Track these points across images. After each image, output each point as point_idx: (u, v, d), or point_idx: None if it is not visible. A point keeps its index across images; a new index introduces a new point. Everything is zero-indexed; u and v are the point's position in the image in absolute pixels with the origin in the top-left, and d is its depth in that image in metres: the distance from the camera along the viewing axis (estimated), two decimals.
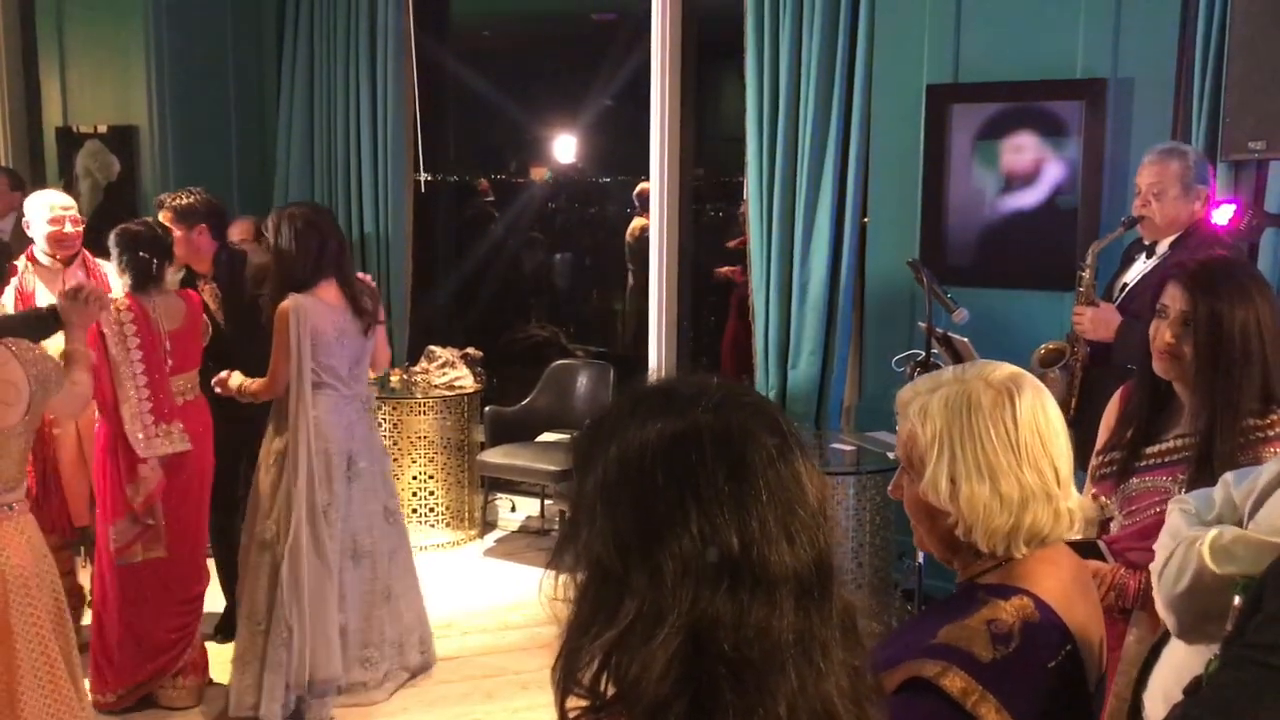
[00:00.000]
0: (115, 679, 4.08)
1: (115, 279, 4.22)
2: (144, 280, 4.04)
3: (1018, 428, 1.53)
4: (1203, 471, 2.30)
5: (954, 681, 1.40)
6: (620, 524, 1.06)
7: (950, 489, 1.54)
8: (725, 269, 7.27)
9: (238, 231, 5.24)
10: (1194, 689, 1.52)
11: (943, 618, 1.51)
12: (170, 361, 4.06)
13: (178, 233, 4.38)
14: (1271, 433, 2.29)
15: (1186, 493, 2.18)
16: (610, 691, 1.05)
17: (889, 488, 1.72)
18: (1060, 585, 1.55)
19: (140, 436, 3.96)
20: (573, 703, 1.07)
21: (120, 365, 3.95)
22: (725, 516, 1.03)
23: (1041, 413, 1.55)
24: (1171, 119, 4.38)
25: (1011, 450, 1.53)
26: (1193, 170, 3.67)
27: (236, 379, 4.14)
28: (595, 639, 1.05)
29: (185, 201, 4.51)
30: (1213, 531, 1.84)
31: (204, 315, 4.33)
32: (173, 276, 4.29)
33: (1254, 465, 2.18)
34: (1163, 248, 3.73)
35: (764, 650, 1.02)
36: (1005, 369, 1.61)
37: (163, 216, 4.41)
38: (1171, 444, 2.43)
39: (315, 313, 4.00)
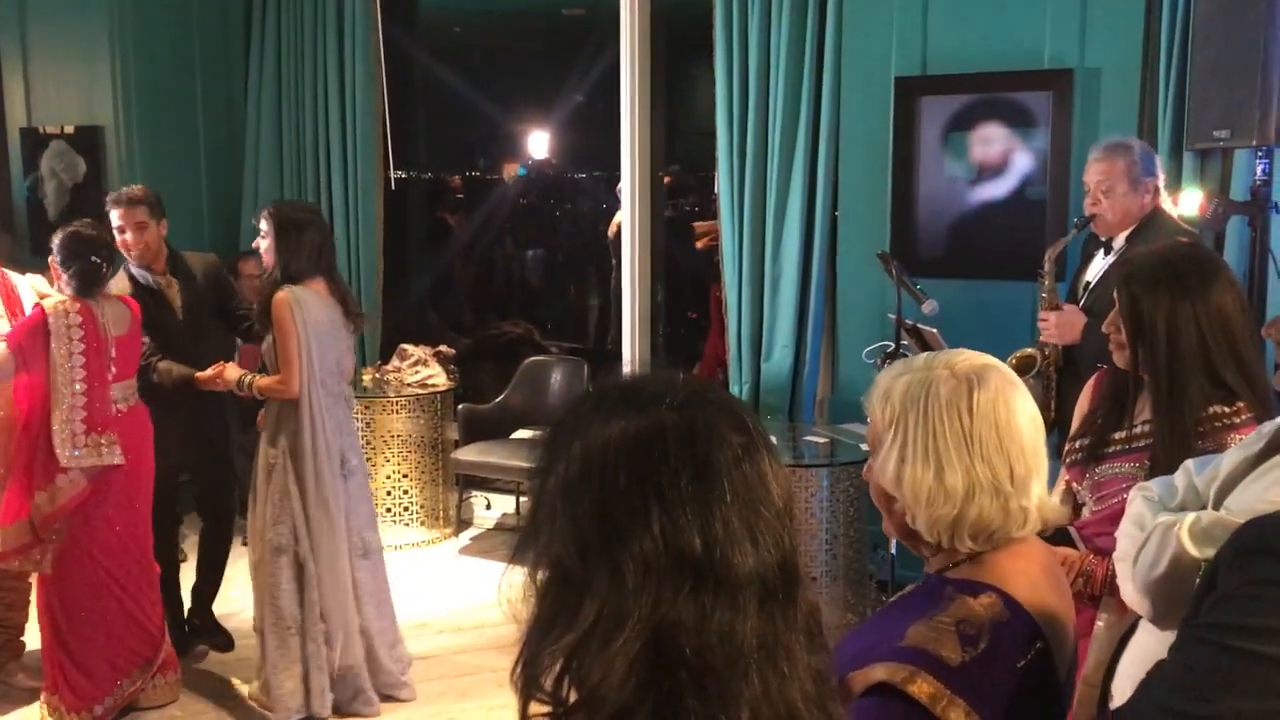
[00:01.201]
0: (96, 690, 3.99)
1: (26, 287, 4.18)
2: (93, 285, 3.95)
3: (973, 419, 1.50)
4: (1157, 459, 2.33)
5: (922, 687, 1.38)
6: (581, 524, 1.03)
7: (896, 473, 1.53)
8: (701, 226, 7.07)
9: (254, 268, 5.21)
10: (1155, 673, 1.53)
11: (910, 614, 1.49)
12: (114, 370, 3.97)
13: (152, 224, 4.35)
14: (1237, 420, 2.30)
15: (1147, 480, 2.19)
16: (572, 696, 1.03)
17: (864, 469, 1.71)
18: (1030, 580, 1.53)
19: (68, 446, 3.84)
20: (535, 709, 1.04)
21: (60, 369, 3.84)
22: (688, 517, 1.01)
23: (1003, 407, 1.52)
24: (1138, 108, 4.41)
25: (964, 441, 1.50)
26: (1139, 164, 3.68)
27: (235, 371, 4.14)
28: (555, 642, 1.02)
29: (152, 193, 4.47)
30: (1190, 516, 1.85)
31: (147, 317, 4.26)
32: (118, 283, 4.21)
33: (1215, 453, 2.21)
34: (1119, 242, 3.76)
35: (727, 655, 1.00)
36: (977, 359, 1.58)
37: (135, 214, 4.32)
38: (1138, 430, 2.45)
39: (311, 305, 3.97)
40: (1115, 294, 2.46)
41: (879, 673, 1.40)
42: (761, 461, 1.06)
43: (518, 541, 1.10)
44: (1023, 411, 1.54)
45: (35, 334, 3.85)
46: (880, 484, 1.57)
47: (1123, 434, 2.48)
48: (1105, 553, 2.36)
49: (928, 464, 1.51)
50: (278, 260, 4.01)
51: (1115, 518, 2.38)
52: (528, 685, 1.04)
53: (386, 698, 4.18)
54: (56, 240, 3.98)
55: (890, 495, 1.57)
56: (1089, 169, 3.77)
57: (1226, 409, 2.29)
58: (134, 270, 4.38)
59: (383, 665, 4.17)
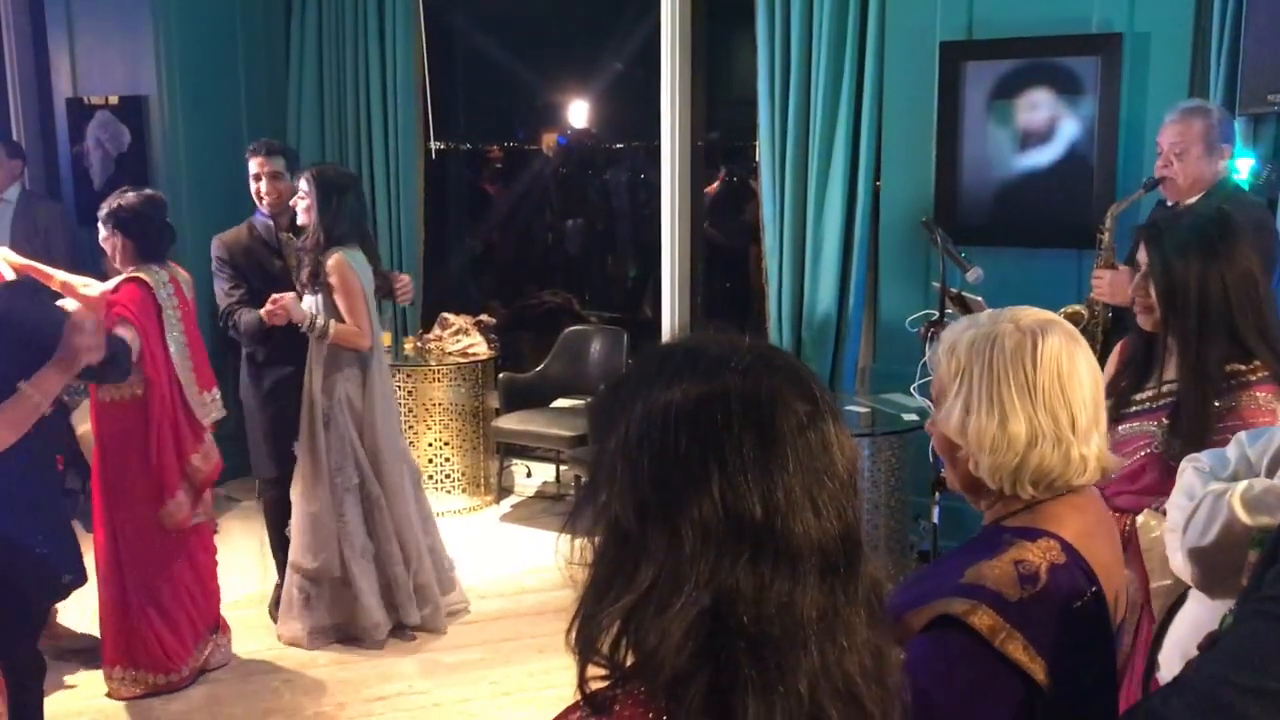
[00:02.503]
0: (183, 649, 4.08)
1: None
2: (169, 248, 4.06)
3: (1036, 369, 1.54)
4: (1177, 418, 2.41)
5: (982, 619, 1.41)
6: (640, 485, 1.02)
7: (961, 421, 1.57)
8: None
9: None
10: (1209, 645, 1.51)
11: (969, 558, 1.51)
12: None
13: (286, 177, 4.40)
14: (1253, 377, 2.37)
15: (1165, 436, 2.33)
16: (629, 660, 1.02)
17: (927, 423, 1.75)
18: (1085, 528, 1.55)
19: (199, 407, 4.03)
20: (592, 671, 1.04)
21: (172, 335, 3.94)
22: (749, 483, 0.99)
23: (1066, 358, 1.56)
24: (1189, 73, 4.33)
25: (1027, 390, 1.54)
26: (1216, 129, 3.60)
27: (301, 311, 4.17)
28: (612, 604, 1.01)
29: (291, 148, 4.69)
30: (1243, 483, 1.83)
31: None
32: (238, 233, 4.44)
33: (1231, 410, 2.32)
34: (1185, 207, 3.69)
35: (785, 625, 0.99)
36: (1038, 314, 1.62)
37: (272, 163, 4.39)
38: (1156, 390, 2.51)
39: (361, 266, 4.22)
40: (1143, 257, 2.51)
41: (939, 607, 1.44)
42: (827, 430, 1.05)
43: (575, 503, 1.10)
44: (1084, 364, 1.58)
45: (145, 305, 3.87)
46: (945, 433, 1.61)
47: (1146, 394, 2.54)
48: (1124, 511, 2.43)
49: (992, 412, 1.54)
50: (320, 222, 4.13)
51: (1134, 476, 2.47)
52: (585, 647, 1.03)
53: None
54: (126, 205, 3.91)
55: (954, 443, 1.60)
56: (1164, 130, 3.69)
57: (1243, 366, 2.37)
58: (258, 220, 4.45)
59: (447, 583, 4.64)
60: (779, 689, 0.98)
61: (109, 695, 4.05)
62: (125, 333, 3.71)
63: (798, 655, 0.99)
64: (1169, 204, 3.76)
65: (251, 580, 5.02)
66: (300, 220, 4.22)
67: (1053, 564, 1.48)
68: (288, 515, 4.38)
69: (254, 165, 4.41)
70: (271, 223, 4.44)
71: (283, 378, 4.36)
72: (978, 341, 1.58)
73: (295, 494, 4.32)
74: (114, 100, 6.27)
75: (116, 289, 3.87)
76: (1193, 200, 3.65)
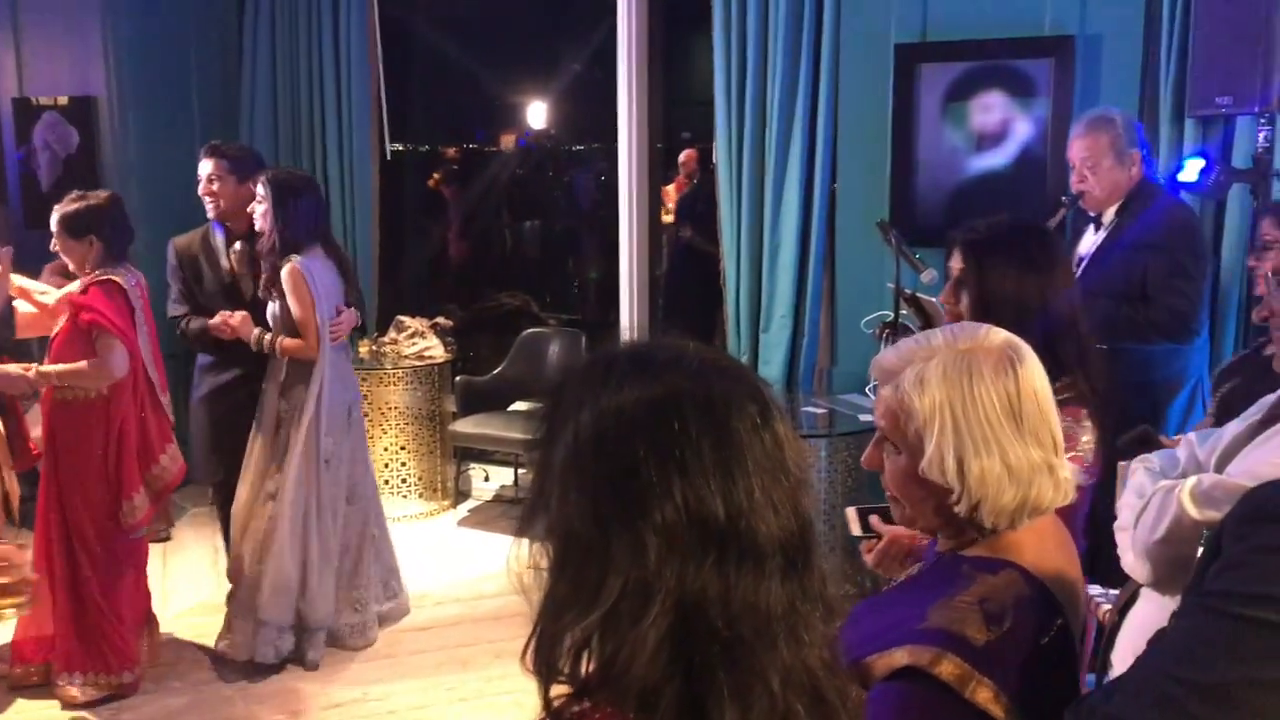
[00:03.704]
0: (135, 647, 4.09)
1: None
2: (128, 249, 4.02)
3: (1020, 397, 1.45)
4: None
5: (948, 669, 1.33)
6: (598, 495, 1.01)
7: (957, 466, 1.44)
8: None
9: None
10: (1158, 641, 1.52)
11: (926, 594, 1.45)
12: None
13: (231, 181, 4.30)
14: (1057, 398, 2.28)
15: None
16: (590, 672, 1.00)
17: (862, 459, 1.61)
18: (1042, 550, 1.49)
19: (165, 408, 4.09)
20: (555, 690, 1.02)
21: (141, 334, 3.98)
22: (710, 486, 0.99)
23: (1040, 379, 1.48)
24: (1139, 76, 4.37)
25: (1014, 420, 1.44)
26: (1123, 136, 3.67)
27: (251, 328, 4.18)
28: (577, 621, 1.00)
29: (243, 152, 4.48)
30: (1191, 479, 1.85)
31: None
32: (191, 237, 4.40)
33: None
34: (1109, 216, 3.75)
35: (755, 626, 0.99)
36: (1000, 334, 1.52)
37: (216, 166, 4.28)
38: None
39: (319, 272, 4.15)
40: (956, 263, 2.42)
41: (902, 656, 1.36)
42: (778, 429, 1.05)
43: (524, 512, 1.07)
44: (1045, 379, 1.51)
45: (120, 307, 3.87)
46: (931, 477, 1.46)
47: None
48: None
49: (990, 451, 1.43)
50: (275, 227, 4.09)
51: None
52: (548, 670, 1.01)
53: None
54: (99, 207, 3.88)
55: (931, 485, 1.47)
56: (1072, 145, 3.76)
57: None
58: (214, 226, 4.36)
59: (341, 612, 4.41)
60: (754, 690, 0.98)
61: (65, 705, 3.95)
62: (111, 347, 3.80)
63: (769, 654, 0.99)
64: (1091, 215, 3.81)
65: (204, 588, 4.95)
66: (258, 226, 4.16)
67: (1018, 599, 1.41)
68: None
69: (200, 167, 4.34)
70: (221, 230, 4.35)
71: (228, 381, 4.35)
72: (950, 371, 1.45)
73: (245, 496, 4.26)
74: (62, 101, 6.17)
75: (84, 291, 3.84)
76: (1114, 207, 3.70)
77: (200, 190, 4.34)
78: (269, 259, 4.12)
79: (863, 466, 1.64)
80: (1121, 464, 2.53)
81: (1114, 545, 2.11)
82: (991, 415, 1.44)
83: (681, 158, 7.91)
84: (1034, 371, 1.48)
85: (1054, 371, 2.20)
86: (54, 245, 3.95)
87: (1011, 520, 1.46)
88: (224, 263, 4.36)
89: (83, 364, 3.80)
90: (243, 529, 4.25)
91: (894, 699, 1.35)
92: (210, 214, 4.35)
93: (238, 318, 4.19)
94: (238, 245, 4.35)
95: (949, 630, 1.36)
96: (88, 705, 3.95)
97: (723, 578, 0.98)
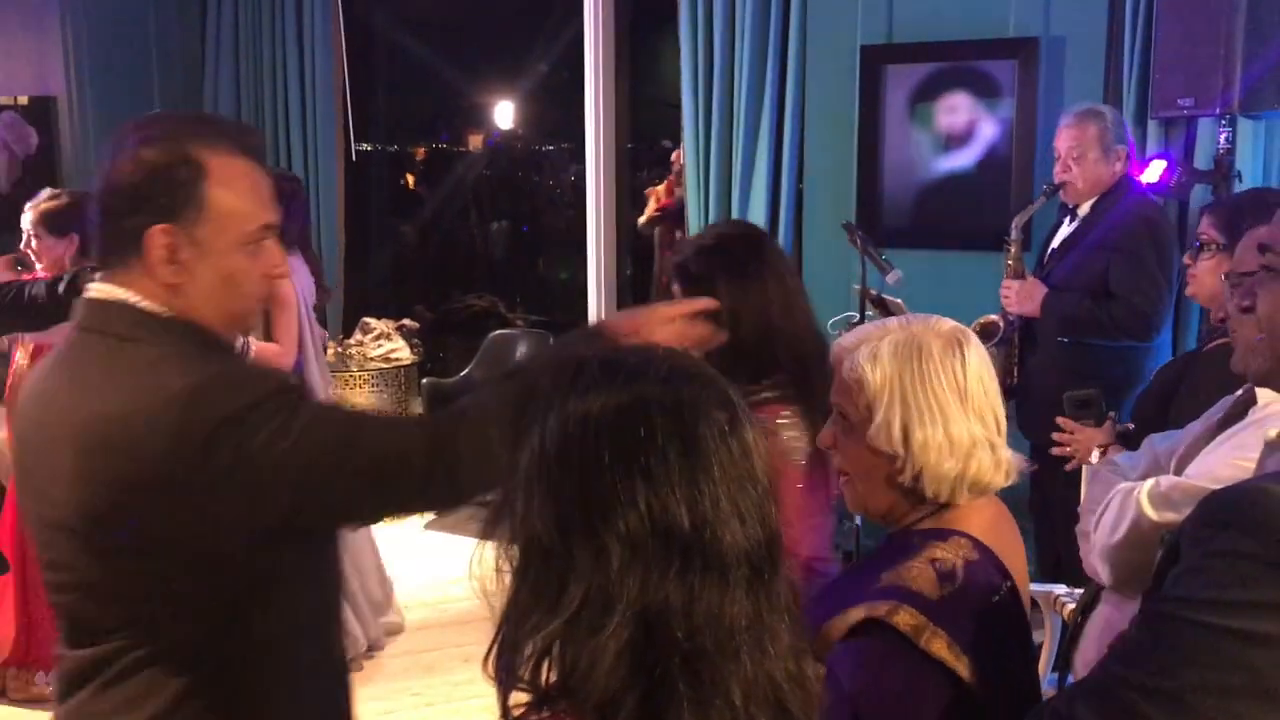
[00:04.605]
0: None
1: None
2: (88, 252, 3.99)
3: (966, 376, 1.53)
4: None
5: (905, 618, 1.39)
6: (562, 501, 1.00)
7: (903, 434, 1.52)
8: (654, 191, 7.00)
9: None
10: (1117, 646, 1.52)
11: (881, 566, 1.50)
12: None
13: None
14: (756, 397, 2.24)
15: None
16: (552, 679, 0.99)
17: (818, 438, 1.68)
18: (990, 524, 1.56)
19: None
20: (515, 698, 1.01)
21: None
22: (676, 495, 0.98)
23: (985, 364, 1.57)
24: (1103, 77, 4.39)
25: (959, 396, 1.52)
26: (1111, 131, 3.70)
27: None
28: (537, 629, 0.98)
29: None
30: (1149, 481, 1.85)
31: None
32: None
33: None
34: (1085, 210, 3.77)
35: (718, 637, 0.98)
36: (949, 322, 1.61)
37: None
38: None
39: (301, 275, 4.01)
40: (676, 292, 2.38)
41: (858, 612, 1.42)
42: (747, 436, 1.04)
43: (488, 518, 1.05)
44: (990, 368, 1.59)
45: None
46: (878, 445, 1.53)
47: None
48: None
49: (934, 421, 1.51)
50: None
51: None
52: (508, 676, 1.00)
53: None
54: (76, 205, 3.86)
55: (879, 456, 1.54)
56: (1060, 135, 3.77)
57: (752, 385, 2.23)
58: None
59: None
60: (715, 703, 0.97)
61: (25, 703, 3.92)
62: None
63: (731, 667, 0.98)
64: (1070, 207, 3.83)
65: None
66: None
67: (967, 560, 1.48)
68: None
69: None
70: None
71: None
72: (901, 348, 1.54)
73: None
74: (22, 100, 6.09)
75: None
76: (1090, 202, 3.73)
77: None
78: None
79: (819, 445, 1.70)
80: (1085, 465, 2.55)
81: (1077, 546, 2.12)
82: (938, 389, 1.52)
83: (673, 156, 7.89)
84: (980, 356, 1.56)
85: (756, 374, 2.25)
86: (26, 243, 3.93)
87: (952, 491, 1.53)
88: None
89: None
90: None
91: (852, 654, 1.41)
92: None
93: None
94: None
95: (903, 587, 1.43)
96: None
97: (686, 588, 0.97)
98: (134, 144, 1.52)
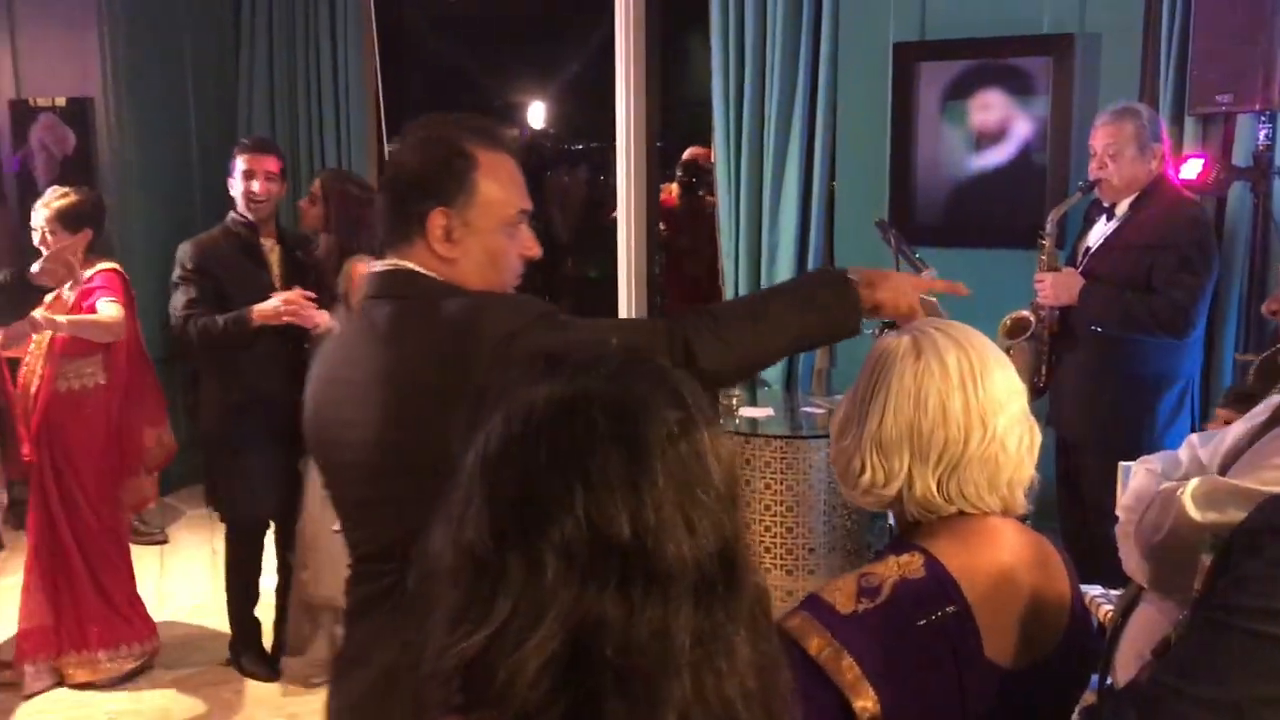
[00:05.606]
0: (144, 625, 4.27)
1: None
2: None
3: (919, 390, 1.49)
4: None
5: (794, 622, 1.36)
6: (497, 505, 0.94)
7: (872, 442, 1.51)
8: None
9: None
10: (1163, 650, 1.50)
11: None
12: None
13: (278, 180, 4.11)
14: None
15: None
16: (474, 688, 0.95)
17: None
18: (964, 547, 1.45)
19: None
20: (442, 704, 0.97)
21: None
22: (616, 501, 0.92)
23: (953, 388, 1.48)
24: (1139, 73, 4.36)
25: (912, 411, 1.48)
26: (1147, 129, 3.67)
27: (320, 314, 3.82)
28: (464, 638, 0.93)
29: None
30: (1194, 480, 1.83)
31: None
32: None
33: None
34: (1123, 208, 3.74)
35: (656, 655, 0.91)
36: (956, 337, 1.53)
37: (277, 164, 4.06)
38: None
39: None
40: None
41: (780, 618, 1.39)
42: (699, 439, 0.97)
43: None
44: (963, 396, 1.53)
45: (128, 291, 4.07)
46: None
47: None
48: None
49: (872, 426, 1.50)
50: (334, 232, 3.96)
51: None
52: (435, 684, 0.96)
53: None
54: (89, 201, 4.07)
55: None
56: (1096, 133, 3.74)
57: None
58: (238, 225, 4.00)
59: None
60: None
61: (84, 686, 4.08)
62: (110, 310, 3.93)
63: (669, 685, 0.92)
64: (1105, 204, 3.80)
65: (201, 592, 4.93)
66: (308, 224, 4.05)
67: (903, 578, 1.40)
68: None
69: (245, 162, 3.95)
70: (254, 230, 4.01)
71: (270, 390, 3.88)
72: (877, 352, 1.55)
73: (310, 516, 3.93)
74: (59, 102, 6.15)
75: (92, 279, 4.00)
76: (1129, 200, 3.70)
77: (256, 188, 3.95)
78: (329, 264, 3.89)
79: None
80: (1122, 465, 2.53)
81: (1114, 547, 2.10)
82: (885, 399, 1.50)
83: (685, 155, 7.88)
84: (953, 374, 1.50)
85: None
86: (41, 239, 4.01)
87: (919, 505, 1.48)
88: (273, 267, 4.03)
89: (91, 315, 3.93)
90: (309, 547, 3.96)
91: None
92: (258, 214, 3.98)
93: (298, 293, 3.79)
94: (268, 244, 4.07)
95: (822, 598, 1.39)
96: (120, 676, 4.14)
97: (625, 602, 0.91)
98: (417, 141, 1.80)
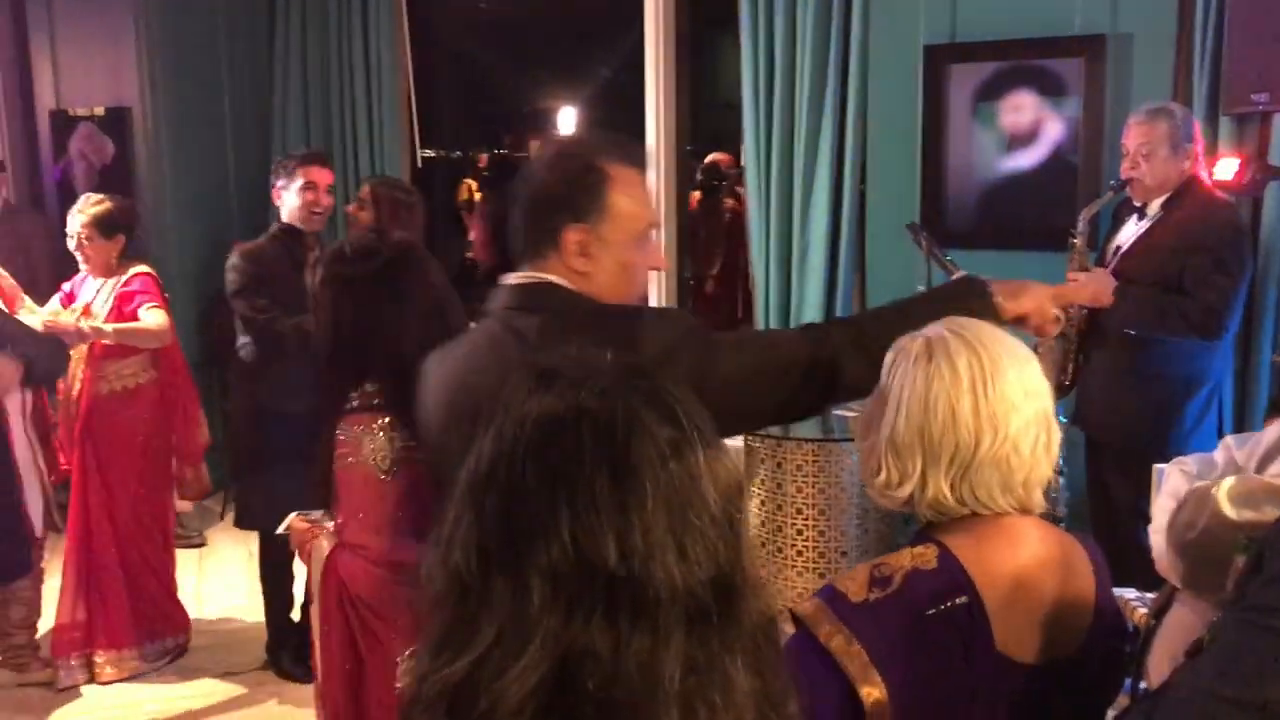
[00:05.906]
0: (180, 619, 4.42)
1: None
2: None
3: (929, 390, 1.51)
4: None
5: (807, 608, 1.39)
6: (484, 527, 0.91)
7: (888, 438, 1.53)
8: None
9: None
10: (1195, 651, 1.50)
11: None
12: None
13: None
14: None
15: None
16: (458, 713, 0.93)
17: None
18: (981, 541, 1.46)
19: None
20: None
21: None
22: (602, 523, 0.88)
23: (959, 390, 1.49)
24: (1172, 74, 4.32)
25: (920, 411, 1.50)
26: (1180, 129, 3.65)
27: None
28: (447, 664, 0.91)
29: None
30: (1229, 479, 1.83)
31: None
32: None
33: None
34: (1154, 208, 3.72)
35: (644, 687, 0.87)
36: (968, 337, 1.53)
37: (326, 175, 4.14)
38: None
39: None
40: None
41: (795, 605, 1.43)
42: (693, 460, 0.93)
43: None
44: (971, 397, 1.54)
45: (162, 292, 4.20)
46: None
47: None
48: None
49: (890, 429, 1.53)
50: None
51: None
52: (419, 711, 0.94)
53: None
54: (125, 208, 4.23)
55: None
56: (1129, 132, 3.73)
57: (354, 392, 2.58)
58: (286, 233, 4.06)
59: None
60: None
61: (118, 680, 4.17)
62: (156, 317, 4.07)
63: (656, 718, 0.88)
64: (1136, 204, 3.78)
65: (238, 595, 4.99)
66: (358, 230, 4.10)
67: (915, 569, 1.42)
68: None
69: (310, 175, 4.03)
70: (301, 240, 4.07)
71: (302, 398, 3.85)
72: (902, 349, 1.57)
73: None
74: (98, 111, 6.24)
75: (129, 281, 4.15)
76: (1160, 200, 3.68)
77: (319, 200, 4.05)
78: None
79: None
80: (1156, 466, 2.51)
81: (1148, 549, 2.09)
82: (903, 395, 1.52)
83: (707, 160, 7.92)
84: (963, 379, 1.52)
85: (353, 379, 2.52)
86: (77, 245, 4.14)
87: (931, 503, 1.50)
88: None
89: (137, 323, 4.06)
90: None
91: (790, 645, 1.41)
92: (316, 225, 4.09)
93: None
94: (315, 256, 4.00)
95: (835, 585, 1.42)
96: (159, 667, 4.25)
97: (612, 631, 0.87)
98: (552, 157, 1.87)
